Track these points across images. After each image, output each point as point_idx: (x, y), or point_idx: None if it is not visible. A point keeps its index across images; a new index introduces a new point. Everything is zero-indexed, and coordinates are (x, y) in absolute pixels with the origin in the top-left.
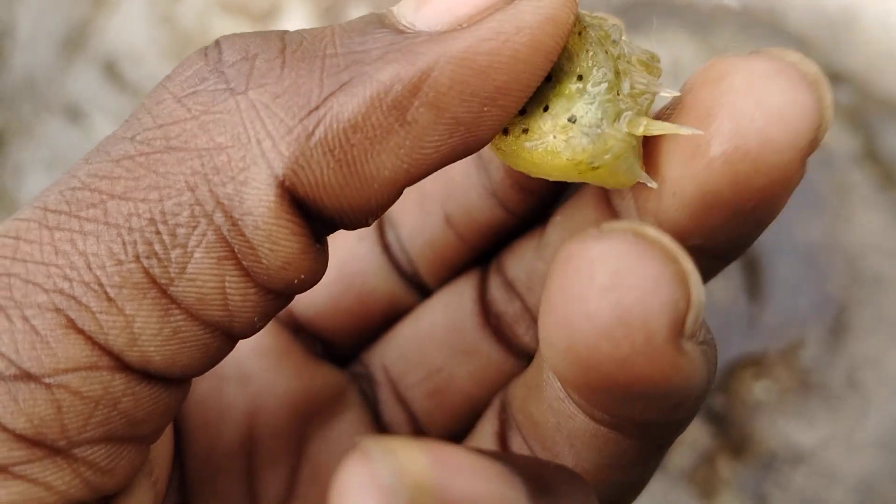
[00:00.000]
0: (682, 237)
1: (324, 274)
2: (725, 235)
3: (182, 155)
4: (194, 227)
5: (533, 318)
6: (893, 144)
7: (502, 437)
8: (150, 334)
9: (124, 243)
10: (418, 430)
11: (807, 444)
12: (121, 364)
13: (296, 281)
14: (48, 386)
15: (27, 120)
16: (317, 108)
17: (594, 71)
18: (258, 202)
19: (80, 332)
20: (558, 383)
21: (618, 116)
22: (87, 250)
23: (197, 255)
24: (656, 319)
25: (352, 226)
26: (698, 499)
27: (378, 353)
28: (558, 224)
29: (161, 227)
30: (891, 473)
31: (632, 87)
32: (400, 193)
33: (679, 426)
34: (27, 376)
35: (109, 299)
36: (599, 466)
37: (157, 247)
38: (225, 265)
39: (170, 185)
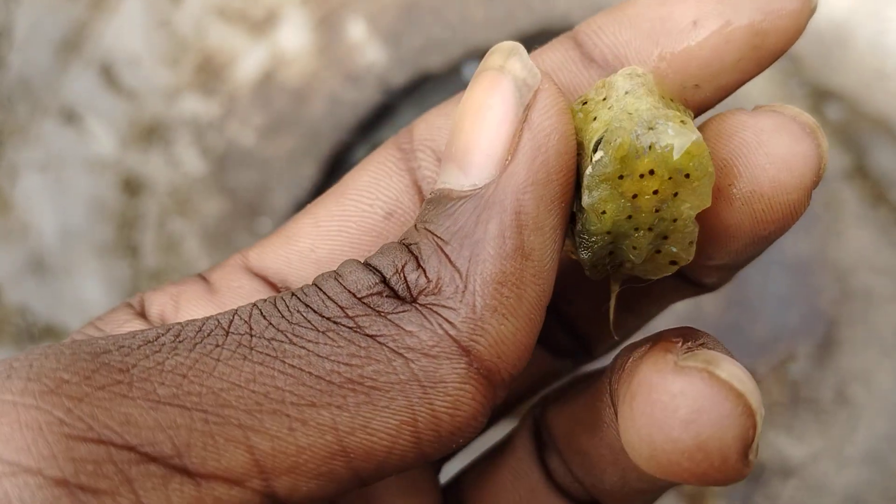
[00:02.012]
0: (709, 257)
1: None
2: (744, 255)
3: (379, 339)
4: (387, 392)
5: (568, 326)
6: (883, 161)
7: (542, 459)
8: (309, 468)
9: (321, 391)
10: None
11: (796, 458)
12: (266, 488)
13: (454, 446)
14: (199, 485)
15: (23, 121)
16: (465, 287)
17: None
18: (450, 370)
19: (250, 450)
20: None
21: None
22: (285, 387)
23: (384, 414)
24: (730, 447)
25: (521, 367)
26: None
27: None
28: None
29: (357, 387)
30: (879, 488)
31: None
32: (544, 314)
33: None
34: (185, 471)
35: (291, 430)
36: (646, 491)
37: (350, 399)
38: (403, 430)
39: (370, 356)
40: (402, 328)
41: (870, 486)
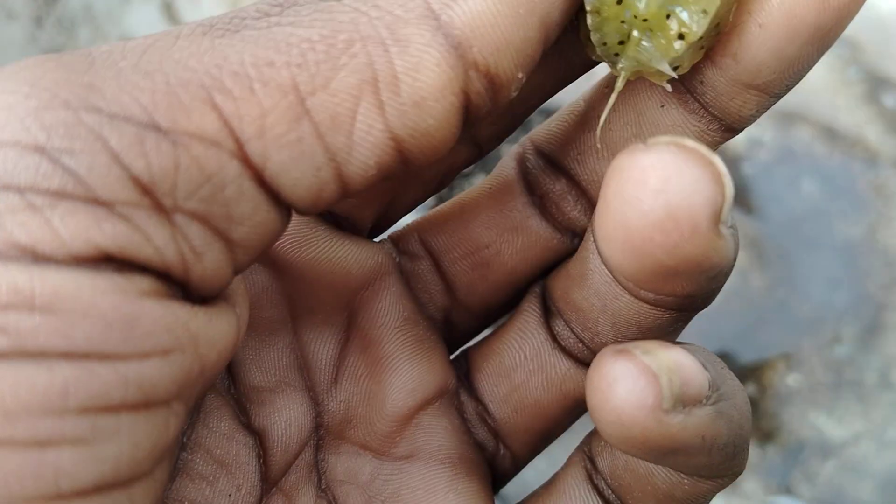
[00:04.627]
0: (760, 70)
1: (452, 141)
2: (794, 69)
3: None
4: (347, 48)
5: (579, 191)
6: None
7: (547, 323)
8: (276, 133)
9: (279, 51)
10: (455, 300)
11: (837, 439)
12: (241, 154)
13: (423, 126)
14: (174, 143)
15: (83, 46)
16: None
17: None
18: (415, 30)
19: (216, 108)
20: (606, 270)
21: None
22: (243, 51)
23: (343, 73)
24: (700, 212)
25: (503, 61)
26: None
27: (414, 230)
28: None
29: (316, 45)
30: None
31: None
32: (544, 30)
33: (711, 296)
34: (156, 127)
35: (252, 90)
36: (637, 338)
37: (309, 57)
38: (364, 88)
39: (333, 18)
40: None
41: None
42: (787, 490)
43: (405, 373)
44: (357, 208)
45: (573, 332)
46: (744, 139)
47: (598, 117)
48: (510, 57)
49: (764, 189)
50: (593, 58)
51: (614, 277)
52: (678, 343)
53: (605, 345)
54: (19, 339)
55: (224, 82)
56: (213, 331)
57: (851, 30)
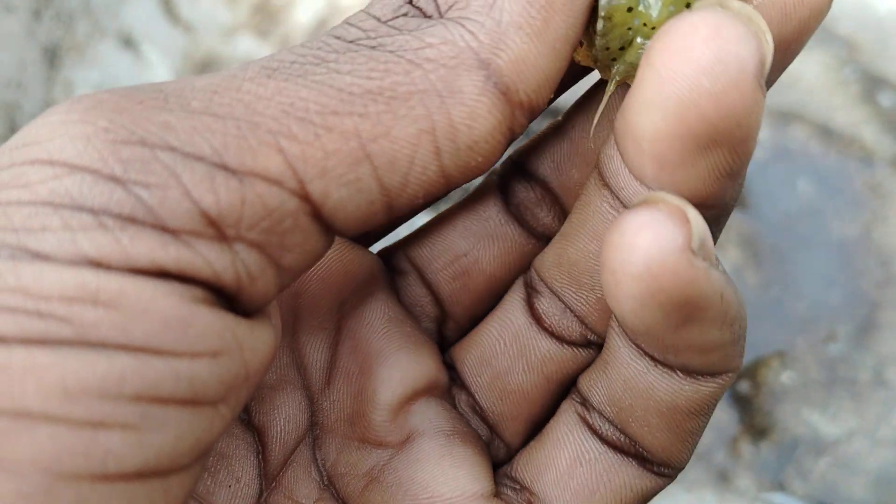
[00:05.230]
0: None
1: (491, 166)
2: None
3: (399, 53)
4: (406, 101)
5: (553, 198)
6: None
7: (530, 306)
8: (337, 174)
9: (343, 101)
10: (442, 310)
11: (830, 436)
12: (301, 192)
13: (472, 164)
14: (241, 181)
15: (81, 40)
16: (493, 2)
17: None
18: (468, 81)
19: (282, 152)
20: (612, 215)
21: None
22: (309, 98)
23: (403, 122)
24: (747, 59)
25: (541, 96)
26: (716, 481)
27: (400, 247)
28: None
29: (377, 97)
30: None
31: None
32: (571, 55)
33: (725, 213)
34: (225, 167)
35: (317, 136)
36: None
37: (371, 108)
38: (422, 139)
39: (389, 69)
40: (424, 40)
41: None
42: (781, 487)
43: (394, 364)
44: None
45: (562, 300)
46: None
47: (576, 128)
48: (548, 88)
49: (759, 187)
50: (580, 61)
51: (639, 176)
52: None
53: (602, 300)
54: (83, 330)
55: (291, 128)
56: (255, 340)
57: (848, 29)
